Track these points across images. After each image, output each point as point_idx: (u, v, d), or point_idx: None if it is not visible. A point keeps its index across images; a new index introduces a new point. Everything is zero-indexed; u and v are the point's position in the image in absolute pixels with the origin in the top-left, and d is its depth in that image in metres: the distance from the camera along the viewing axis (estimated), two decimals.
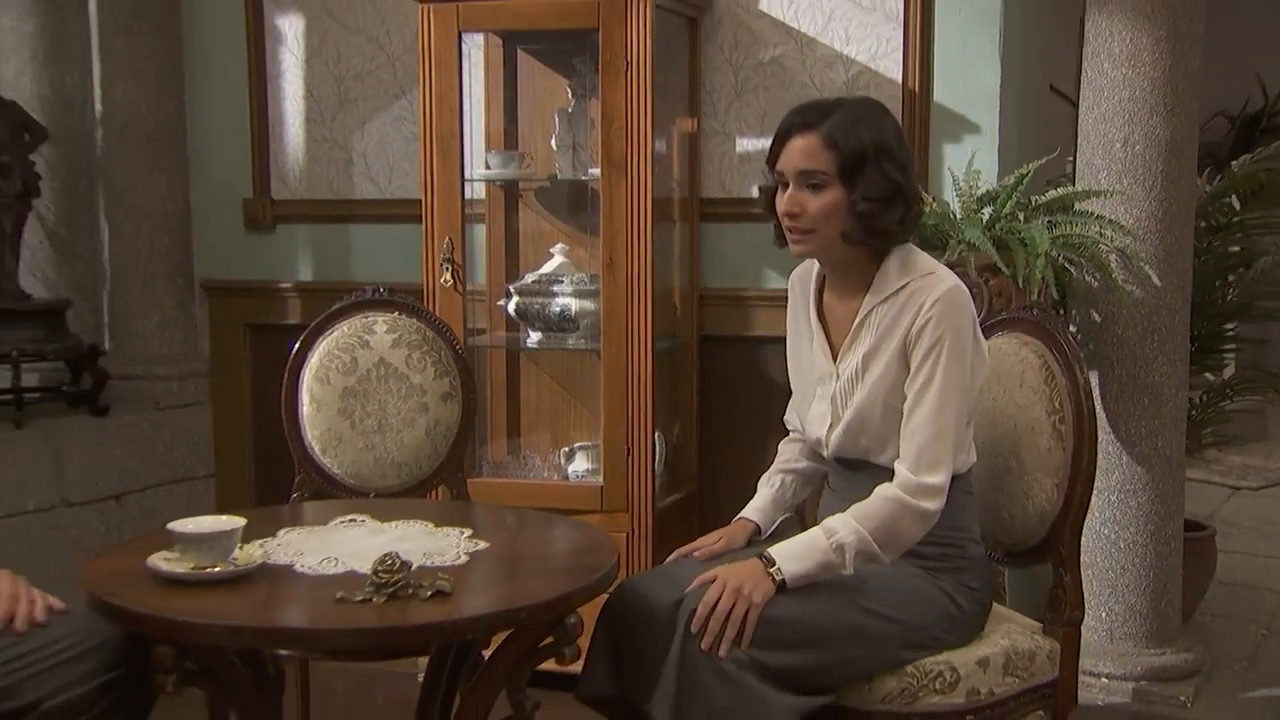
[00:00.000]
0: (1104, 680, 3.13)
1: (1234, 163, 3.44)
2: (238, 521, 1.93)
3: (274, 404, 3.39)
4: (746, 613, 1.91)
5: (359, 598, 1.76)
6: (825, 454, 2.21)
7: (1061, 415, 2.22)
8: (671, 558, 2.22)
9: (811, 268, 2.20)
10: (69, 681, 1.86)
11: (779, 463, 2.32)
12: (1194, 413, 3.62)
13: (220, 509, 3.77)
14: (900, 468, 2.02)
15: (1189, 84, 3.05)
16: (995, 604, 2.28)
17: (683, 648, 1.92)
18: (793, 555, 1.99)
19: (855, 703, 2.05)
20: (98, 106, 3.76)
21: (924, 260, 2.11)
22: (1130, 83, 3.04)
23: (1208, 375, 3.87)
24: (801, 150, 2.03)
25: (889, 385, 2.07)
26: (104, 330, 3.87)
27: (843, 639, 1.99)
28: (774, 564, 1.97)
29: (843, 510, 2.06)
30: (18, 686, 1.82)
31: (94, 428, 3.54)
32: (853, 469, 2.16)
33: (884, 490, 2.02)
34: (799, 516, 2.34)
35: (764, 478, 2.32)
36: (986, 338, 2.34)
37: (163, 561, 1.88)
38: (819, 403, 2.18)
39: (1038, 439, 2.23)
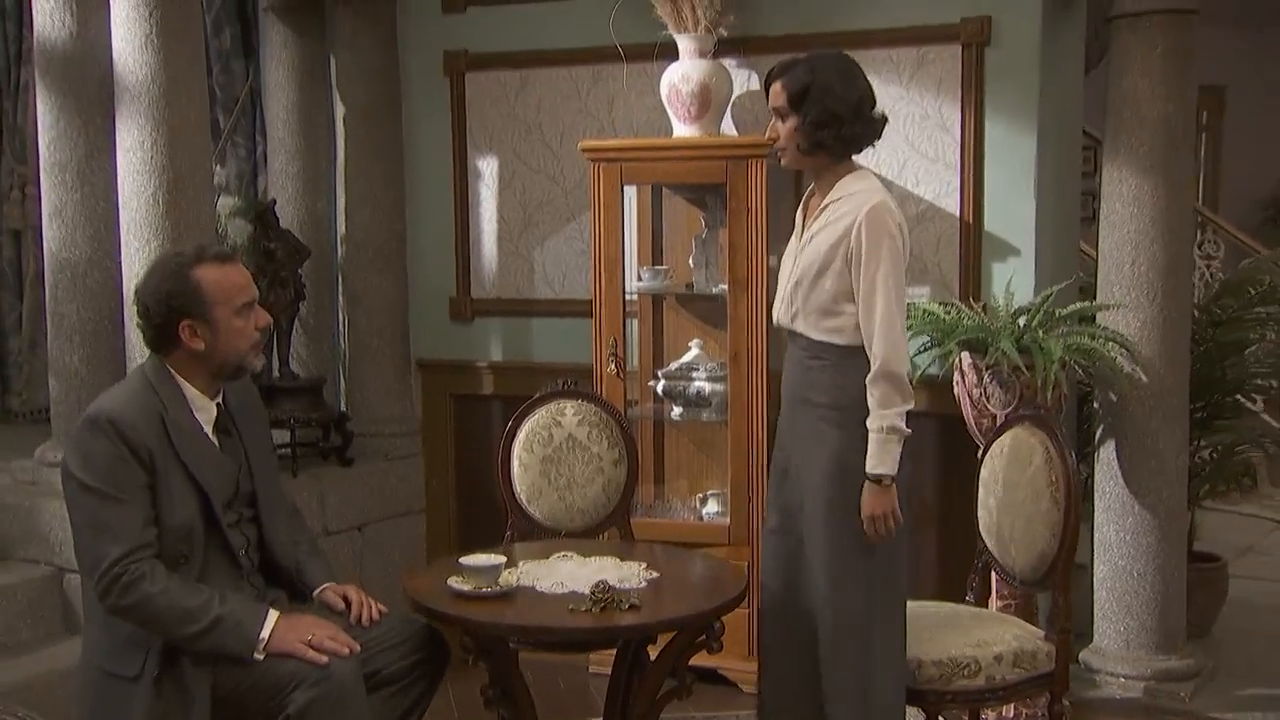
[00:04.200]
0: (1120, 679, 4.04)
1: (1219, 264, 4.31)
2: (501, 559, 2.98)
3: (472, 456, 4.41)
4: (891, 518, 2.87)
5: (583, 608, 2.79)
6: (776, 322, 3.10)
7: (1057, 485, 3.14)
8: None
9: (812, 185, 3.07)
10: (394, 659, 2.90)
11: None
12: (1206, 468, 4.48)
13: (430, 538, 4.90)
14: (874, 361, 2.86)
15: (1182, 219, 3.95)
16: (1009, 615, 3.23)
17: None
18: (878, 459, 2.86)
19: (908, 683, 3.02)
20: (341, 228, 4.89)
21: (870, 181, 2.98)
22: (1135, 218, 3.95)
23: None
24: (772, 93, 3.00)
25: (823, 255, 2.91)
26: (340, 397, 5.02)
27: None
28: (877, 478, 2.87)
29: (791, 376, 3.04)
30: (369, 660, 2.88)
31: (342, 475, 4.64)
32: (789, 339, 3.06)
33: (870, 381, 2.86)
34: None
35: None
36: (1011, 428, 3.30)
37: (455, 583, 2.93)
38: (784, 269, 3.06)
39: (1039, 502, 3.16)
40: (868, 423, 2.89)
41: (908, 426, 2.91)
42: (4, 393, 5.69)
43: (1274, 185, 9.22)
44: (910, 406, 2.92)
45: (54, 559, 3.97)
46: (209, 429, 2.82)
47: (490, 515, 4.33)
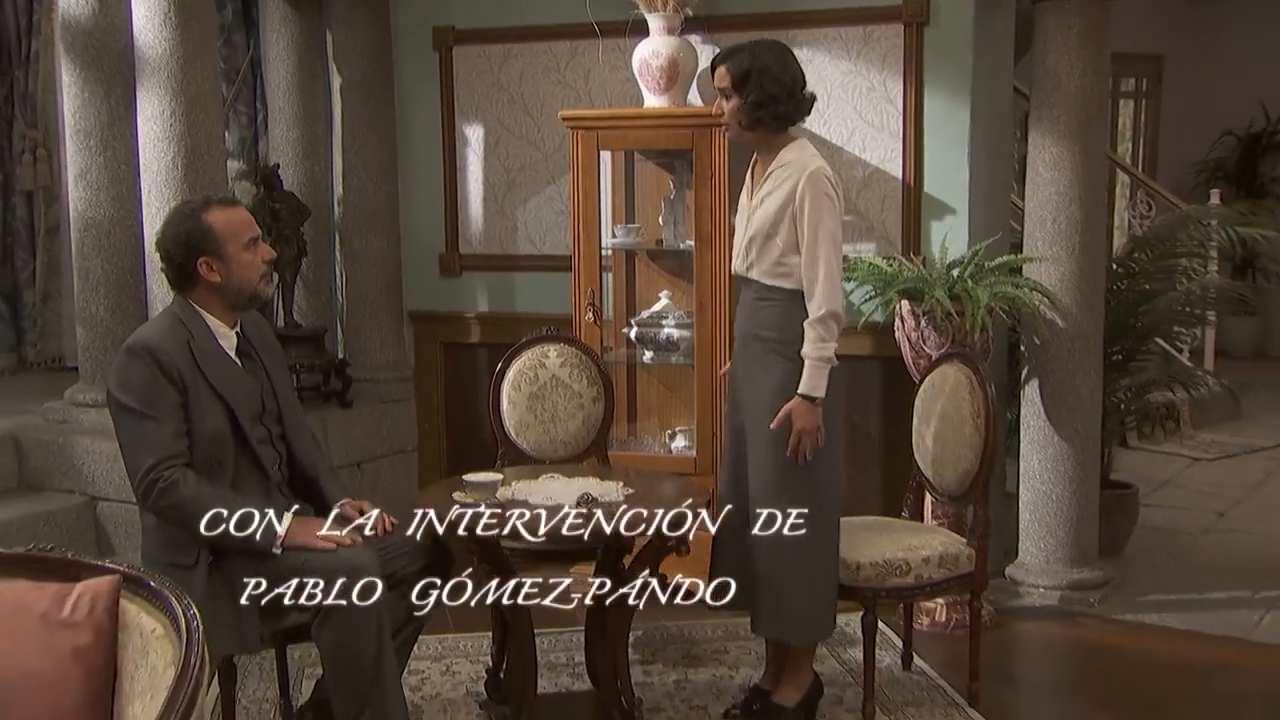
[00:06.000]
0: (1040, 590, 4.56)
1: (1151, 223, 4.81)
2: (499, 475, 3.45)
3: (461, 399, 4.82)
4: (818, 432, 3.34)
5: (571, 515, 3.27)
6: (734, 271, 3.55)
7: (979, 414, 3.64)
8: None
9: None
10: (405, 563, 3.35)
11: None
12: (1123, 405, 5.01)
13: (422, 475, 5.34)
14: (812, 307, 3.31)
15: (1096, 182, 4.44)
16: (939, 527, 3.73)
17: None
18: (813, 384, 3.32)
19: (845, 580, 3.51)
20: (338, 190, 5.30)
21: (808, 150, 3.40)
22: (1056, 181, 4.43)
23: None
24: (718, 75, 3.44)
25: (773, 217, 3.34)
26: (339, 346, 5.44)
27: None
28: (811, 399, 3.33)
29: (743, 316, 3.49)
30: (385, 564, 3.32)
31: (343, 416, 5.07)
32: (743, 284, 3.53)
33: (809, 324, 3.30)
34: None
35: None
36: (941, 365, 3.78)
37: (459, 496, 3.40)
38: (740, 226, 3.53)
39: (964, 428, 3.66)
40: (804, 353, 3.34)
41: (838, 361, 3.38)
42: (19, 343, 6.08)
43: (1207, 149, 9.75)
44: (837, 346, 3.37)
45: (87, 489, 4.41)
46: (232, 353, 3.24)
47: (477, 452, 4.77)
